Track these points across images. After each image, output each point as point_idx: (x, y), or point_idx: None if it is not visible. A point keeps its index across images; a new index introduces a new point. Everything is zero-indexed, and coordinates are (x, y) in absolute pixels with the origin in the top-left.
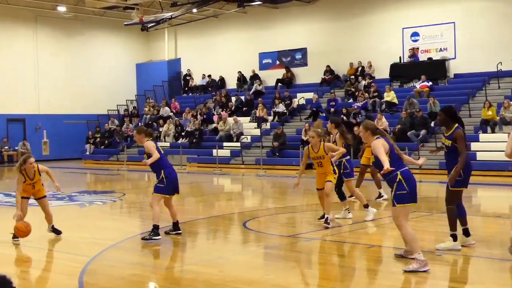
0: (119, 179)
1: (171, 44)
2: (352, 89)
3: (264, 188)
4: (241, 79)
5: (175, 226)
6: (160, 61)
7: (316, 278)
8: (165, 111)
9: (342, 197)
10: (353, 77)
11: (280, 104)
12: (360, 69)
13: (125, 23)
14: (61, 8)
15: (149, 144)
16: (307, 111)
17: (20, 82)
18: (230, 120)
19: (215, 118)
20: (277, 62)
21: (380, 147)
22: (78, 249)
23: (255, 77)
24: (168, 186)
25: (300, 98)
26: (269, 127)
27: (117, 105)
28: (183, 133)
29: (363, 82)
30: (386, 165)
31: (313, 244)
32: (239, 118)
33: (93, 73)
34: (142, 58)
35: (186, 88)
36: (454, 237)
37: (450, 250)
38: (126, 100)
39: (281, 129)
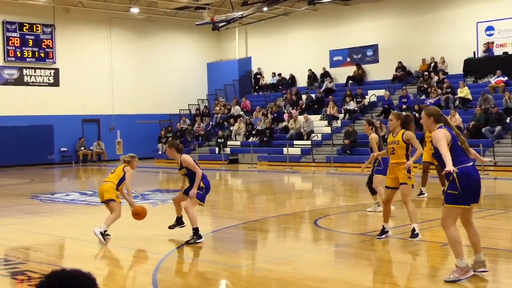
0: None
1: (241, 43)
2: (425, 85)
3: (335, 186)
4: (312, 76)
5: (179, 220)
6: (231, 60)
7: (388, 276)
8: (235, 110)
9: (372, 191)
10: (425, 73)
11: (351, 102)
12: (432, 65)
13: (196, 23)
14: (134, 10)
15: (189, 159)
16: (378, 108)
17: (95, 83)
18: (301, 118)
19: (286, 116)
20: (348, 59)
21: (442, 138)
22: (151, 247)
23: (325, 74)
24: (205, 194)
25: (372, 95)
26: (340, 125)
27: (188, 104)
28: (253, 132)
29: (436, 78)
30: (449, 165)
31: (385, 242)
32: (309, 116)
33: (165, 73)
34: (213, 57)
35: (257, 87)
36: None
37: None
38: (198, 99)
39: (352, 126)
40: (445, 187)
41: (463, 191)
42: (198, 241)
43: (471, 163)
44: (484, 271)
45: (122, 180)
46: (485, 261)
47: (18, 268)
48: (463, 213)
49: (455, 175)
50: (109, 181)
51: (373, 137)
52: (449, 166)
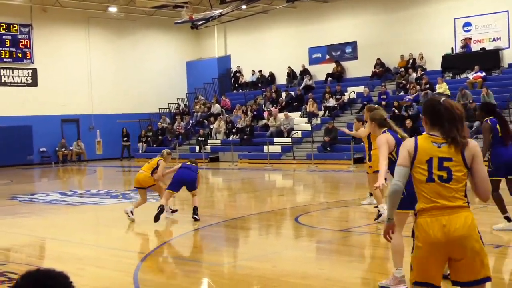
0: (171, 176)
1: (220, 41)
2: (403, 82)
3: (316, 183)
4: (291, 74)
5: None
6: (210, 59)
7: (370, 272)
8: (215, 108)
9: None
10: (403, 69)
11: (331, 99)
12: (411, 61)
13: (175, 22)
14: (112, 9)
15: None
16: (358, 105)
17: (74, 83)
18: (281, 115)
19: (266, 114)
20: (327, 57)
21: (382, 144)
22: (132, 246)
23: (305, 72)
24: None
25: (351, 92)
26: (319, 122)
27: (168, 103)
28: (234, 130)
29: (415, 75)
30: (380, 178)
31: (366, 238)
32: (289, 114)
33: (144, 72)
34: (192, 56)
35: (236, 85)
36: (508, 219)
37: (505, 230)
38: (177, 98)
39: (332, 123)
40: None
41: (408, 195)
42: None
43: None
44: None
45: (154, 170)
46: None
47: None
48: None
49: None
50: (144, 170)
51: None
52: (380, 180)
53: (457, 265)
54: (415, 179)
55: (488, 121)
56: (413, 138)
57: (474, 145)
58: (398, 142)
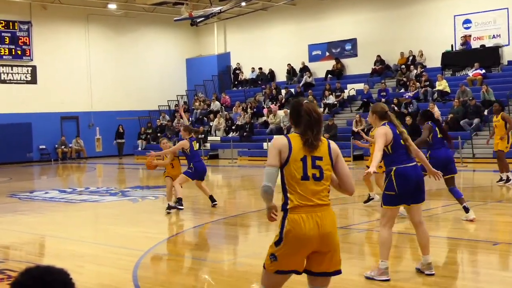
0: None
1: (220, 39)
2: (403, 79)
3: None
4: (291, 71)
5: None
6: (210, 56)
7: (369, 269)
8: (215, 105)
9: None
10: (404, 66)
11: (331, 96)
12: (411, 58)
13: (175, 19)
14: (112, 6)
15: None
16: (357, 102)
17: (73, 81)
18: (280, 112)
19: (265, 111)
20: (327, 54)
21: (380, 136)
22: (132, 244)
23: (304, 69)
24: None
25: (351, 89)
26: None
27: (167, 100)
28: (233, 127)
29: (414, 72)
30: (372, 166)
31: (365, 235)
32: (289, 111)
33: (144, 70)
34: (192, 53)
35: (236, 82)
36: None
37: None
38: (177, 95)
39: (332, 120)
40: (383, 188)
41: (400, 191)
42: (179, 207)
43: (412, 163)
44: (431, 274)
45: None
46: (432, 264)
47: None
48: (409, 214)
49: (392, 175)
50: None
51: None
52: (371, 168)
53: (320, 257)
54: (289, 177)
55: (430, 124)
56: (283, 137)
57: (336, 146)
58: (396, 136)
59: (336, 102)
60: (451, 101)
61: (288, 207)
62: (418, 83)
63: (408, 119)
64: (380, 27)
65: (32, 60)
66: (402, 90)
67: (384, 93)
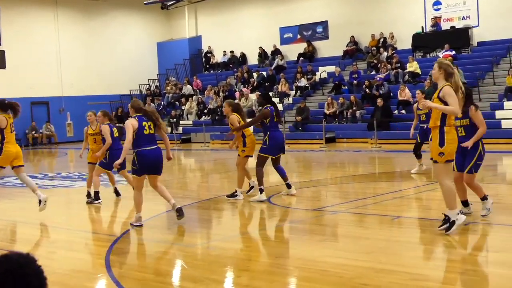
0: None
1: (191, 22)
2: (375, 61)
3: (288, 162)
4: (262, 54)
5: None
6: (181, 39)
7: (342, 250)
8: (187, 89)
9: (418, 156)
10: (375, 48)
11: (302, 79)
12: (382, 40)
13: (145, 2)
14: None
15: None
16: (329, 84)
17: (43, 65)
18: (252, 96)
19: (237, 94)
20: (298, 36)
21: (128, 127)
22: (104, 229)
23: (276, 52)
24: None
25: (322, 72)
26: (291, 102)
27: (139, 84)
28: (205, 111)
29: (385, 54)
30: (123, 154)
31: (338, 217)
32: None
33: (115, 54)
34: (163, 36)
35: (208, 66)
36: (261, 191)
37: (258, 201)
38: (148, 79)
39: (304, 103)
40: None
41: (140, 167)
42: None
43: (152, 147)
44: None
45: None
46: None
47: None
48: (149, 180)
49: (134, 155)
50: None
51: None
52: (122, 157)
53: None
54: None
55: (268, 108)
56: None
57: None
58: (140, 127)
59: (308, 85)
60: (422, 83)
61: None
62: (389, 65)
63: (379, 101)
64: (351, 9)
65: (0, 44)
66: (374, 72)
67: (356, 75)
